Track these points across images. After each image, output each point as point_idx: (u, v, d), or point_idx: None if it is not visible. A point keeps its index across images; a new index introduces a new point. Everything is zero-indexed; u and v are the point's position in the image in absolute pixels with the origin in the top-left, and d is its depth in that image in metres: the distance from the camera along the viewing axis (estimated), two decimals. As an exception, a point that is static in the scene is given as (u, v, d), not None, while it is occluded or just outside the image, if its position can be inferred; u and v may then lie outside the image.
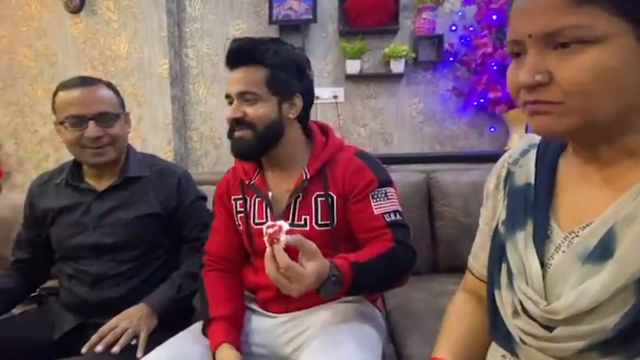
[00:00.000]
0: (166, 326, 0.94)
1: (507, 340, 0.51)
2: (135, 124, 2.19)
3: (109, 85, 1.04)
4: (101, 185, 1.05)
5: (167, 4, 2.20)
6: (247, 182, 0.90)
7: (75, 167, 1.07)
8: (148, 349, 0.85)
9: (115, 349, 0.83)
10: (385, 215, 0.82)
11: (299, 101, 0.85)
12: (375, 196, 0.83)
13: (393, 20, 2.21)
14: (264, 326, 0.90)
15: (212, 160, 2.40)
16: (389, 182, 0.87)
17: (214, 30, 2.33)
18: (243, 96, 0.81)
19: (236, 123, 0.83)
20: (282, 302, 0.88)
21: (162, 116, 2.23)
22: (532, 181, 0.51)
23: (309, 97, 0.88)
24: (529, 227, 0.49)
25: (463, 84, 2.22)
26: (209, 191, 1.23)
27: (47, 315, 1.02)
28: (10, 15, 2.27)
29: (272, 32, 2.24)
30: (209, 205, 1.18)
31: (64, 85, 0.98)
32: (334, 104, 2.30)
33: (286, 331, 0.87)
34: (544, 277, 0.46)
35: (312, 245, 0.66)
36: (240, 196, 0.92)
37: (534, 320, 0.47)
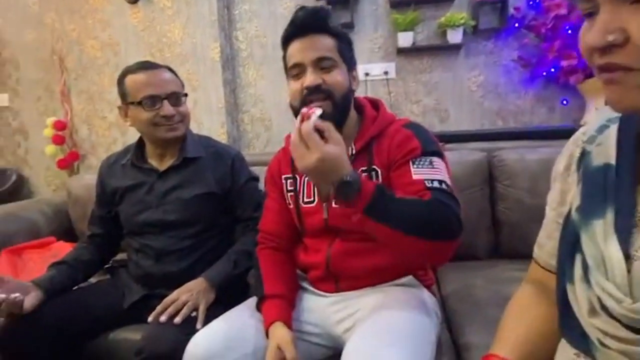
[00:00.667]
0: (223, 301, 0.98)
1: (581, 341, 0.45)
2: (191, 108, 2.27)
3: (170, 69, 1.09)
4: (163, 165, 1.10)
5: (216, -13, 2.21)
6: None
7: (139, 148, 1.14)
8: (206, 321, 0.89)
9: (177, 320, 0.89)
10: (426, 181, 0.73)
11: (356, 73, 0.87)
12: (417, 162, 0.77)
13: (450, -14, 2.03)
14: (316, 305, 0.90)
15: (263, 142, 2.43)
16: (436, 153, 0.79)
17: (262, 11, 2.31)
18: (320, 63, 0.79)
19: (314, 92, 0.79)
20: (332, 281, 0.88)
21: (215, 100, 2.29)
22: (613, 162, 0.44)
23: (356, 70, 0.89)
24: (610, 215, 0.42)
25: (530, 53, 2.00)
26: (260, 172, 1.25)
27: (118, 285, 1.11)
28: (78, 10, 2.44)
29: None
30: (261, 185, 1.21)
31: (131, 70, 1.04)
32: (384, 81, 2.20)
33: (337, 311, 0.87)
34: (628, 271, 0.40)
35: (339, 136, 0.66)
36: (291, 175, 0.92)
37: (616, 320, 0.40)
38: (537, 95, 2.07)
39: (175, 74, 1.10)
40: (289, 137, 0.97)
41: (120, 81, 1.06)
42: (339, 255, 0.85)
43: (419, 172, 0.75)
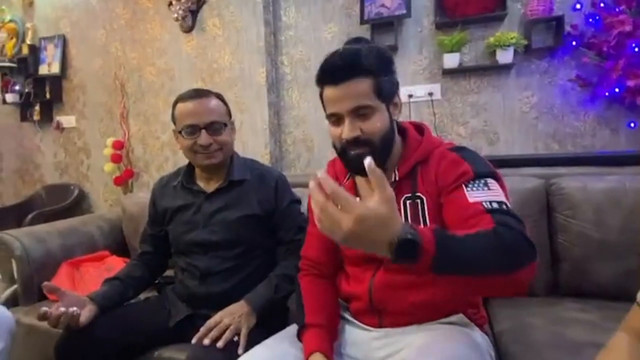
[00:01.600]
0: (263, 324, 0.98)
1: None
2: (238, 129, 2.35)
3: (219, 96, 1.13)
4: (210, 187, 1.14)
5: (264, 15, 2.32)
6: None
7: (189, 171, 1.18)
8: (247, 346, 0.89)
9: (220, 344, 0.89)
10: (484, 204, 0.67)
11: (398, 99, 0.82)
12: (470, 186, 0.71)
13: (499, 6, 1.97)
14: (359, 338, 0.86)
15: (305, 162, 2.46)
16: (490, 174, 0.74)
17: (306, 36, 2.38)
18: (357, 112, 0.76)
19: (352, 143, 0.77)
20: (375, 315, 0.84)
21: (260, 121, 2.36)
22: None
23: (398, 92, 0.84)
24: None
25: (590, 72, 1.87)
26: (302, 193, 1.25)
27: (165, 303, 1.14)
28: (139, 39, 2.65)
29: (363, 32, 2.19)
30: (303, 208, 1.21)
31: (182, 98, 1.10)
32: (428, 102, 2.15)
33: (381, 347, 0.82)
34: None
35: (391, 191, 0.52)
36: None
37: None
38: (598, 117, 1.92)
39: (224, 102, 1.14)
40: (331, 162, 0.96)
41: (173, 107, 1.12)
42: (383, 288, 0.81)
43: (474, 195, 0.70)
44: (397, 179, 0.81)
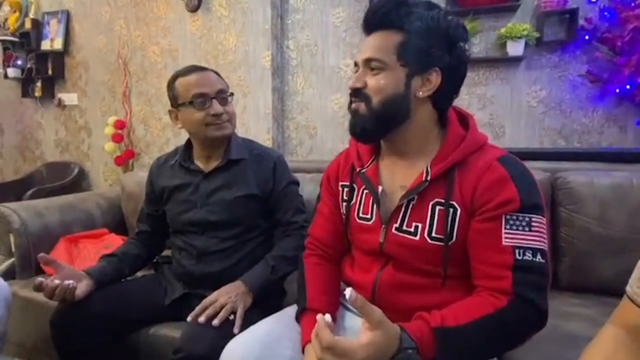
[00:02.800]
0: (259, 305, 0.97)
1: None
2: (240, 113, 2.34)
3: (216, 72, 1.13)
4: (208, 166, 1.12)
5: (272, -3, 2.28)
6: (357, 169, 0.79)
7: (187, 150, 1.16)
8: (243, 325, 0.88)
9: (215, 322, 0.89)
10: (516, 251, 0.62)
11: (436, 77, 0.69)
12: (511, 221, 0.64)
13: (513, -4, 1.94)
14: (356, 326, 0.83)
15: (306, 149, 2.44)
16: (538, 208, 0.65)
17: (314, 21, 2.34)
18: (369, 64, 0.71)
19: (354, 94, 0.73)
20: (377, 306, 0.82)
21: (263, 106, 2.34)
22: None
23: (453, 76, 0.71)
24: None
25: (602, 68, 1.84)
26: (302, 179, 1.24)
27: (162, 281, 1.13)
28: (143, 18, 2.61)
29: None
30: (302, 190, 1.20)
31: (181, 73, 1.08)
32: (435, 93, 2.12)
33: None
34: None
35: (377, 312, 0.56)
36: (348, 183, 0.83)
37: None
38: (607, 114, 1.90)
39: (221, 77, 1.13)
40: (354, 144, 0.88)
41: (170, 85, 1.10)
42: (388, 287, 0.76)
43: (511, 236, 0.63)
44: (429, 178, 0.70)
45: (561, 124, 1.97)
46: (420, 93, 0.70)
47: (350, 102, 0.74)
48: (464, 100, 2.10)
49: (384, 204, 0.76)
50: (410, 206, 0.72)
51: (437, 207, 0.70)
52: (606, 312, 1.02)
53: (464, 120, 0.76)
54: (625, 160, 1.35)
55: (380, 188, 0.76)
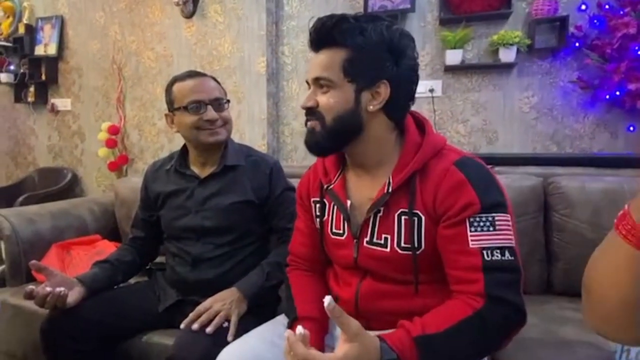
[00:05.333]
0: (254, 312, 0.97)
1: None
2: (235, 119, 2.33)
3: (214, 79, 1.12)
4: (204, 172, 1.12)
5: (267, 4, 2.28)
6: (325, 185, 0.80)
7: (183, 155, 1.16)
8: (237, 333, 0.88)
9: (209, 330, 0.88)
10: (484, 252, 0.63)
11: (385, 90, 0.70)
12: (475, 223, 0.64)
13: (505, 4, 1.96)
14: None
15: (301, 154, 2.44)
16: (499, 206, 0.65)
17: (309, 27, 2.35)
18: (318, 82, 0.72)
19: (308, 113, 0.74)
20: (362, 319, 0.81)
21: (258, 112, 2.34)
22: None
23: (403, 86, 0.71)
24: None
25: (592, 74, 1.87)
26: (297, 184, 1.23)
27: (155, 288, 1.12)
28: (139, 23, 2.61)
29: (367, 25, 2.16)
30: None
31: (180, 78, 1.09)
32: (429, 99, 2.14)
33: None
34: None
35: (354, 323, 0.57)
36: (319, 199, 0.84)
37: None
38: (598, 120, 1.92)
39: (219, 84, 1.13)
40: (320, 161, 0.89)
41: (168, 89, 1.10)
42: (370, 296, 0.77)
43: (476, 239, 0.64)
44: (390, 190, 0.71)
45: (553, 129, 1.99)
46: (371, 107, 0.70)
47: (307, 121, 0.75)
48: (458, 106, 2.12)
49: (354, 218, 0.77)
50: (378, 218, 0.73)
51: (403, 217, 0.71)
52: (599, 316, 1.05)
53: (421, 125, 0.76)
54: (617, 165, 1.37)
55: (348, 202, 0.77)
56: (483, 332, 0.61)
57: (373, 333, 0.79)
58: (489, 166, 0.73)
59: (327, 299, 0.54)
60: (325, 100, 0.71)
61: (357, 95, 0.70)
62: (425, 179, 0.70)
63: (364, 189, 0.76)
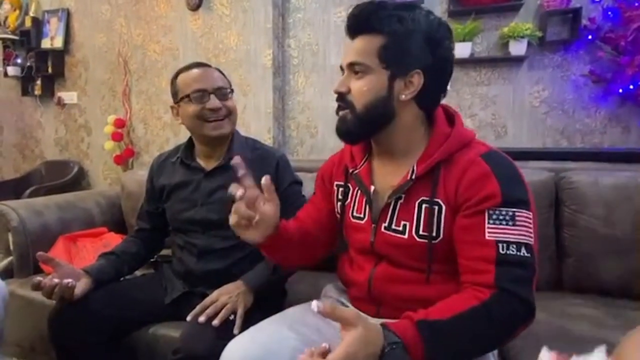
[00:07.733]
0: (260, 306, 0.96)
1: None
2: (241, 112, 2.32)
3: (218, 70, 1.12)
4: (210, 165, 1.11)
5: (273, -4, 2.26)
6: (351, 170, 0.81)
7: (189, 148, 1.15)
8: (243, 325, 0.87)
9: (216, 322, 0.88)
10: (499, 245, 0.62)
11: (418, 79, 0.70)
12: (494, 215, 0.64)
13: (516, -5, 1.93)
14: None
15: (307, 148, 2.43)
16: (521, 202, 0.65)
17: (315, 20, 2.32)
18: (352, 67, 0.72)
19: (339, 99, 0.74)
20: (373, 304, 0.81)
21: (264, 105, 2.33)
22: None
23: (437, 77, 0.71)
24: None
25: (605, 68, 1.83)
26: (304, 179, 1.22)
27: (162, 280, 1.12)
28: (144, 16, 2.60)
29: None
30: (304, 191, 1.18)
31: (184, 69, 1.09)
32: (437, 93, 2.11)
33: None
34: None
35: (351, 310, 0.58)
36: (343, 183, 0.85)
37: None
38: (610, 114, 1.88)
39: (223, 75, 1.12)
40: (347, 147, 0.89)
41: (173, 81, 1.10)
42: (383, 280, 0.77)
43: (494, 231, 0.63)
44: (414, 177, 0.71)
45: (564, 124, 1.96)
46: (403, 96, 0.70)
47: (338, 108, 0.75)
48: (467, 100, 2.09)
49: (375, 203, 0.77)
50: (398, 205, 0.74)
51: (424, 205, 0.71)
52: (611, 313, 1.03)
53: (451, 118, 0.76)
54: (630, 160, 1.34)
55: (372, 188, 0.77)
56: (488, 324, 0.60)
57: (385, 320, 0.80)
58: None
59: (314, 304, 0.55)
60: (358, 86, 0.71)
61: (391, 83, 0.70)
62: (450, 169, 0.70)
63: (388, 176, 0.77)
